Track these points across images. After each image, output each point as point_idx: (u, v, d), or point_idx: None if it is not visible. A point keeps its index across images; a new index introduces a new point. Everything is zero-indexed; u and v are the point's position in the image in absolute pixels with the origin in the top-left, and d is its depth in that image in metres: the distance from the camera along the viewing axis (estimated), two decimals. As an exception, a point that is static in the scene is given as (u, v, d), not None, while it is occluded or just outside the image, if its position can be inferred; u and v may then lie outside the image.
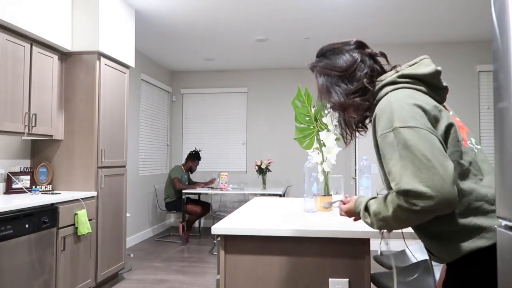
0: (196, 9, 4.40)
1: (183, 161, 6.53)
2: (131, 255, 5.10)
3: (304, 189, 2.17)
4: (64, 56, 3.72)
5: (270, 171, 6.12)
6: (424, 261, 1.82)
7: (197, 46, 5.83)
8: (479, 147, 1.28)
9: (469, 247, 1.12)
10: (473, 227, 1.12)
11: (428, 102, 1.19)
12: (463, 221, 1.14)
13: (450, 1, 4.21)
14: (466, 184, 1.16)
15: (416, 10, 4.45)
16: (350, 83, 1.33)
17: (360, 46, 1.40)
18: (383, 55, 1.41)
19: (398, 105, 1.17)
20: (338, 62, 1.36)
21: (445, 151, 1.12)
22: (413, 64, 1.29)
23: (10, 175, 3.40)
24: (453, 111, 1.37)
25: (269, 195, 5.51)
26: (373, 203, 1.22)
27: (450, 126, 1.18)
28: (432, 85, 1.27)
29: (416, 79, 1.25)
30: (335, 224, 1.77)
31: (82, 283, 3.43)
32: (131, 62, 4.32)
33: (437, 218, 1.13)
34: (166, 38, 5.44)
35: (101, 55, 3.75)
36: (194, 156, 6.36)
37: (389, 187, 1.24)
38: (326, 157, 2.22)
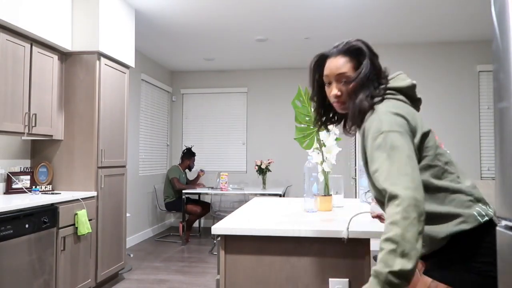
0: (196, 9, 4.40)
1: (179, 161, 6.52)
2: (131, 255, 5.10)
3: (304, 189, 2.17)
4: (64, 56, 3.72)
5: (270, 171, 6.12)
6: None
7: (197, 46, 5.83)
8: (448, 152, 1.40)
9: (453, 230, 1.20)
10: (453, 214, 1.22)
11: (409, 111, 1.29)
12: (443, 209, 1.23)
13: (450, 1, 4.21)
14: (442, 182, 1.26)
15: (416, 10, 4.45)
16: (377, 89, 1.36)
17: None
18: None
19: (384, 114, 1.25)
20: (378, 63, 1.40)
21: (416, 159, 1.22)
22: (391, 79, 1.40)
23: (10, 175, 3.40)
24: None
25: (269, 195, 5.51)
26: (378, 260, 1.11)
27: (428, 132, 1.29)
28: (409, 97, 1.39)
29: (396, 91, 1.37)
30: (335, 224, 1.77)
31: (82, 283, 3.43)
32: (131, 62, 4.32)
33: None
34: (166, 38, 5.44)
35: (101, 55, 3.75)
36: (188, 154, 6.36)
37: (378, 194, 1.29)
38: (326, 157, 2.22)
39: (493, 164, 5.67)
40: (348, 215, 2.04)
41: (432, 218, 1.23)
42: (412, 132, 1.24)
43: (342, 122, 1.53)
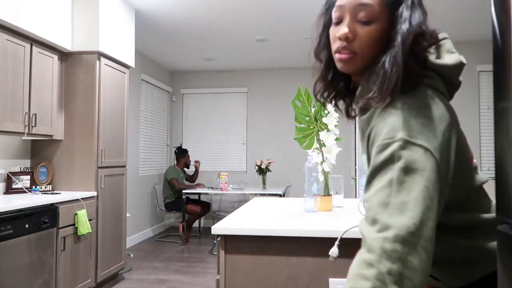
0: (196, 9, 4.40)
1: (175, 162, 6.50)
2: (131, 255, 5.10)
3: (304, 189, 2.17)
4: (64, 56, 3.72)
5: (270, 171, 6.12)
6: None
7: (197, 46, 5.83)
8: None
9: (485, 272, 0.93)
10: (484, 251, 0.94)
11: (443, 114, 0.85)
12: (473, 245, 0.94)
13: (450, 1, 4.21)
14: (469, 216, 0.93)
15: (416, 10, 4.45)
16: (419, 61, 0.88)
17: None
18: None
19: (411, 112, 0.83)
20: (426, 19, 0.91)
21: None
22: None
23: (10, 175, 3.40)
24: None
25: (269, 195, 5.51)
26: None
27: (461, 140, 0.89)
28: (448, 82, 0.93)
29: (437, 73, 0.91)
30: (335, 224, 1.77)
31: (82, 283, 3.43)
32: (131, 62, 4.32)
33: (444, 243, 0.92)
34: (166, 38, 5.44)
35: (101, 55, 3.75)
36: (181, 152, 6.33)
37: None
38: (326, 157, 2.22)
39: (493, 164, 5.66)
40: (347, 216, 2.04)
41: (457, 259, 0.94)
42: (447, 157, 0.82)
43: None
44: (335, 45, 0.92)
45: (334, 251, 1.40)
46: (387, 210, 0.75)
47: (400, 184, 0.76)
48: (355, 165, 5.73)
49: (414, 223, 0.73)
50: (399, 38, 0.84)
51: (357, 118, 1.04)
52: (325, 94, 1.03)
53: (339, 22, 0.91)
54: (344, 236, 1.63)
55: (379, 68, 0.87)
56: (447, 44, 0.93)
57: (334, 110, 1.04)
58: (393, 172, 0.78)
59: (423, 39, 0.87)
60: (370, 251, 0.74)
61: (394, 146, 0.79)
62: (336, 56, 0.92)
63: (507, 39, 0.76)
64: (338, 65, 0.93)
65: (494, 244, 0.91)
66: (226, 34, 5.24)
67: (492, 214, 0.93)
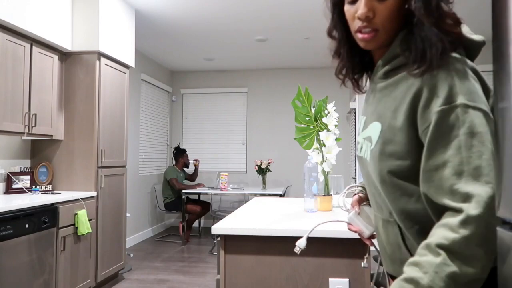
0: (197, 9, 4.40)
1: (174, 162, 6.50)
2: (131, 255, 5.10)
3: (304, 189, 2.17)
4: (64, 56, 3.72)
5: (270, 171, 6.12)
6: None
7: (197, 46, 5.83)
8: None
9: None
10: None
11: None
12: None
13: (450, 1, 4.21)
14: None
15: (416, 10, 4.45)
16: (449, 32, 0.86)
17: None
18: None
19: (463, 76, 0.82)
20: None
21: None
22: None
23: (10, 175, 3.40)
24: None
25: (269, 195, 5.51)
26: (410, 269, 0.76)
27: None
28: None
29: (464, 49, 0.90)
30: (335, 224, 1.77)
31: (82, 283, 3.43)
32: (131, 62, 4.32)
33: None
34: (166, 38, 5.44)
35: (101, 55, 3.75)
36: (179, 152, 6.32)
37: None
38: (326, 157, 2.22)
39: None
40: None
41: None
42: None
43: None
44: (354, 24, 0.90)
45: (301, 242, 1.33)
46: (462, 178, 0.76)
47: (470, 149, 0.77)
48: (355, 165, 5.73)
49: (492, 186, 0.74)
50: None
51: (369, 85, 1.02)
52: (344, 71, 1.02)
53: (354, 0, 0.90)
54: (340, 236, 1.63)
55: (417, 37, 0.85)
56: (465, 28, 0.93)
57: (353, 88, 1.04)
58: (459, 138, 0.78)
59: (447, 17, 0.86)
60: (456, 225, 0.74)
61: (457, 111, 0.79)
62: (359, 36, 0.91)
63: (507, 39, 0.76)
64: (361, 44, 0.92)
65: None
66: (226, 34, 5.25)
67: None
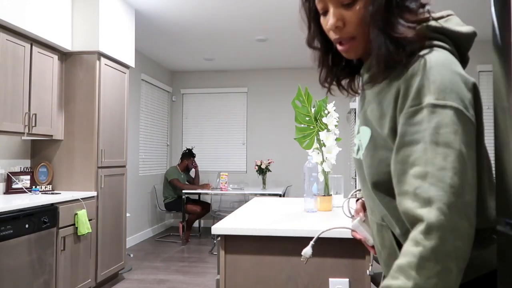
0: (196, 9, 4.40)
1: (178, 161, 6.51)
2: (131, 255, 5.10)
3: (304, 189, 2.17)
4: (64, 56, 3.72)
5: (270, 171, 6.12)
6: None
7: (197, 46, 5.83)
8: None
9: (492, 266, 0.86)
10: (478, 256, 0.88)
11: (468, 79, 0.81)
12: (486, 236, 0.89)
13: (450, 1, 4.21)
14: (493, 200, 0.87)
15: (416, 10, 4.45)
16: (411, 10, 0.85)
17: None
18: None
19: (442, 69, 0.79)
20: None
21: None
22: (439, 18, 0.88)
23: (10, 175, 3.40)
24: None
25: (269, 195, 5.51)
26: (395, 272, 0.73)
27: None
28: (461, 53, 0.89)
29: (449, 38, 0.87)
30: (335, 224, 1.77)
31: (82, 283, 3.43)
32: (131, 62, 4.32)
33: None
34: (166, 38, 5.44)
35: (101, 55, 3.75)
36: (189, 154, 6.34)
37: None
38: (326, 157, 2.22)
39: (492, 164, 5.65)
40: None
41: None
42: (477, 114, 0.80)
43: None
44: (331, 36, 0.91)
45: (307, 251, 1.29)
46: (426, 181, 0.73)
47: (435, 151, 0.74)
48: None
49: (454, 190, 0.72)
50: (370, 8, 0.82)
51: (360, 93, 1.02)
52: (329, 79, 1.00)
53: (325, 12, 0.89)
54: (340, 236, 1.63)
55: (373, 42, 0.84)
56: (455, 19, 0.90)
57: (347, 93, 1.02)
58: (425, 140, 0.75)
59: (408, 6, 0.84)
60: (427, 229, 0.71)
61: (424, 112, 0.76)
62: (339, 47, 0.91)
63: (507, 39, 0.76)
64: (343, 55, 0.92)
65: (487, 249, 0.88)
66: (226, 34, 5.25)
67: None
